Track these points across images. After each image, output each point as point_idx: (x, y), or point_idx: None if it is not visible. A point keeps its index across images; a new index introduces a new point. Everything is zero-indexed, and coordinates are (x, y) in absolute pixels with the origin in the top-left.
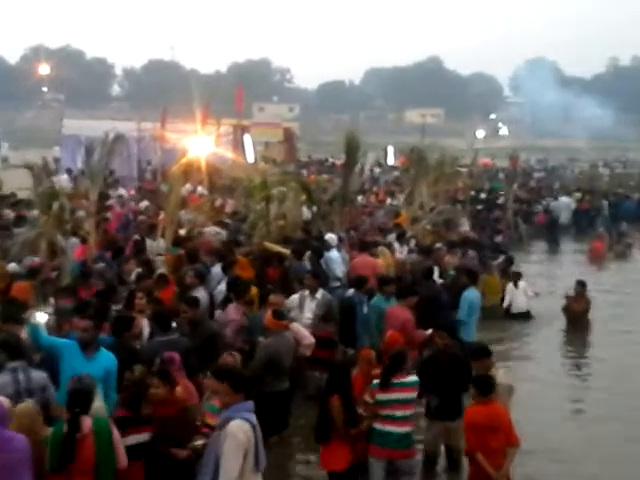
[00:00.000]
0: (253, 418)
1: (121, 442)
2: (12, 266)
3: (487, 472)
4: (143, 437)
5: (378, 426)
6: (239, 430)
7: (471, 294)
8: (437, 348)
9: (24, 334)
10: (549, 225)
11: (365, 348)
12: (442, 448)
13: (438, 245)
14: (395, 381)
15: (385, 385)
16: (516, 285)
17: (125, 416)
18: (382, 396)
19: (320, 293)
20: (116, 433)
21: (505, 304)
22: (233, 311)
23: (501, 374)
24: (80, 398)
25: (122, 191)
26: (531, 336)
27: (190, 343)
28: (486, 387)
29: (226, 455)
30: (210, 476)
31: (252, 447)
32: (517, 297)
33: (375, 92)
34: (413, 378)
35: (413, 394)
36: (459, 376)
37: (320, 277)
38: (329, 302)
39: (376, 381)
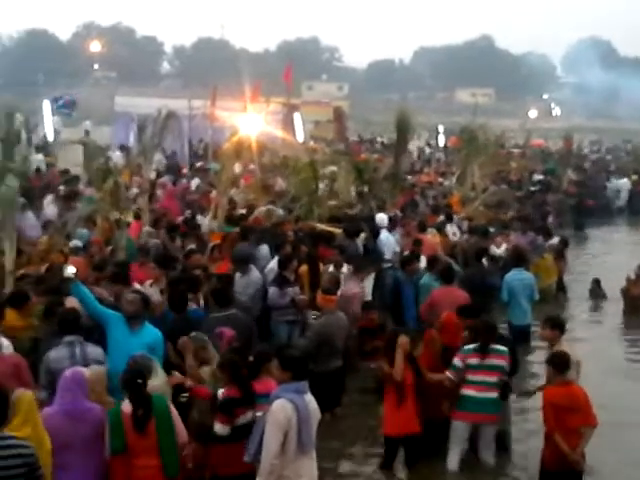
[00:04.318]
0: (300, 399)
1: (179, 419)
2: (74, 242)
3: (564, 452)
4: (250, 417)
5: (469, 392)
6: (280, 410)
7: (511, 276)
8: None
9: (73, 303)
10: (579, 208)
11: (410, 327)
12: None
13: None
14: (492, 347)
15: (485, 351)
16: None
17: (235, 396)
18: (475, 361)
19: (345, 268)
20: (174, 409)
21: None
22: (353, 284)
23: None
24: (135, 379)
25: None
26: (586, 318)
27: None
28: (562, 364)
29: (266, 433)
30: (254, 450)
31: (294, 428)
32: None
33: (425, 71)
34: (504, 347)
35: (505, 362)
36: None
37: (344, 253)
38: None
39: (472, 345)
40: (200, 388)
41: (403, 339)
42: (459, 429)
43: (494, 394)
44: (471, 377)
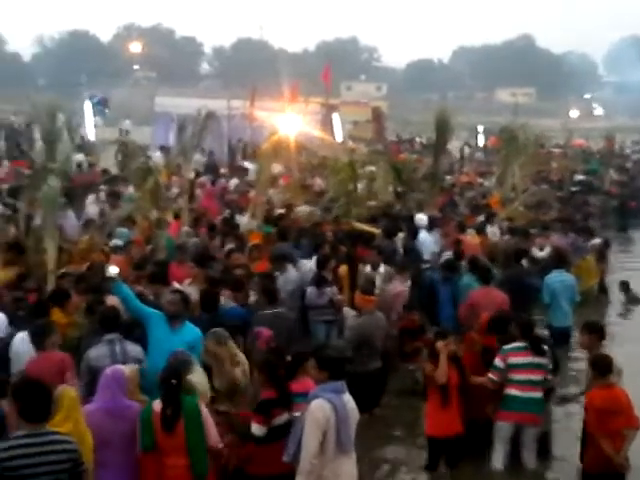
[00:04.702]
0: (338, 399)
1: (211, 420)
2: (114, 241)
3: (608, 455)
4: (285, 417)
5: (513, 391)
6: (318, 410)
7: (552, 278)
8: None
9: (113, 301)
10: (622, 209)
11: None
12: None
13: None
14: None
15: (538, 348)
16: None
17: (271, 397)
18: (523, 359)
19: (382, 267)
20: (205, 411)
21: None
22: (398, 283)
23: None
24: (170, 379)
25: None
26: (626, 319)
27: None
28: (605, 367)
29: (305, 432)
30: (294, 449)
31: (333, 428)
32: None
33: (464, 71)
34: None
35: (547, 361)
36: None
37: (382, 253)
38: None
39: (512, 345)
40: (241, 413)
41: (440, 343)
42: (503, 430)
43: (539, 393)
44: (515, 376)
